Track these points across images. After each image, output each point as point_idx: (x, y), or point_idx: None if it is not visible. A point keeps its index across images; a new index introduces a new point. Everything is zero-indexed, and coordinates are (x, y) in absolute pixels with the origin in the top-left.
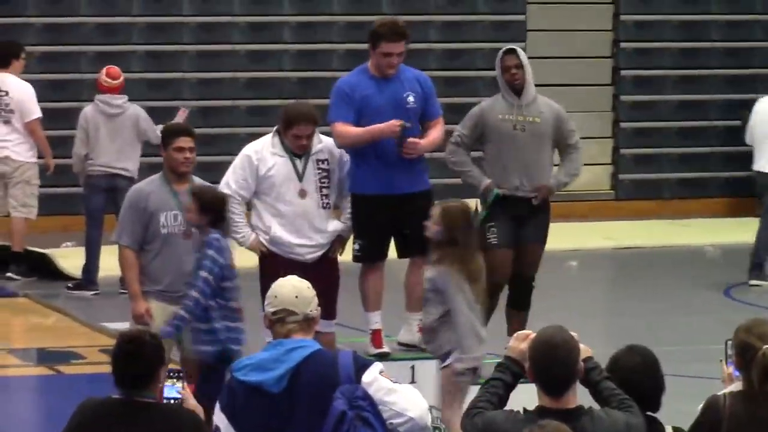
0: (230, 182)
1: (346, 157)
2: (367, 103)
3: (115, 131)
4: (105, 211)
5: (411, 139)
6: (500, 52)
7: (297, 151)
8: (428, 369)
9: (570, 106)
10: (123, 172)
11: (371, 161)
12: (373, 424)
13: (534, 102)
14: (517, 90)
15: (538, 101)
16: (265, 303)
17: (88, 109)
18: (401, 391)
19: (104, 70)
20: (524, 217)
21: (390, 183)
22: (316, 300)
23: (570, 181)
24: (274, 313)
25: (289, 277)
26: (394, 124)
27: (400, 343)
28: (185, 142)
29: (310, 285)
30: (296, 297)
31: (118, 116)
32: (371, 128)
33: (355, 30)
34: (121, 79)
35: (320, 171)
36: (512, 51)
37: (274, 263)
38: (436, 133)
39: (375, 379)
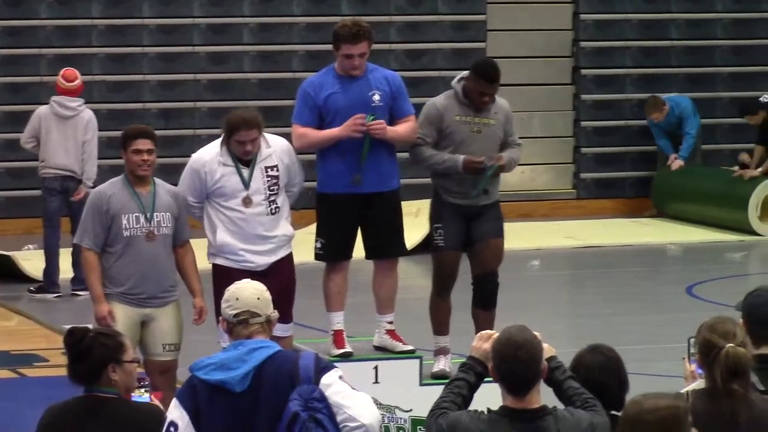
0: (188, 196)
1: (297, 164)
2: (331, 103)
3: (67, 133)
4: (62, 213)
5: (378, 121)
6: (474, 73)
7: (242, 157)
8: (391, 369)
9: (531, 105)
10: (73, 174)
11: (336, 160)
12: (326, 426)
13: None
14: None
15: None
16: (225, 306)
17: (42, 109)
18: (358, 398)
19: (61, 72)
20: (474, 215)
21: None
22: (271, 303)
23: (510, 165)
24: (236, 315)
25: (247, 280)
26: (357, 117)
27: (375, 347)
28: (144, 144)
29: (266, 288)
30: (258, 299)
31: (71, 119)
32: (330, 132)
33: (315, 31)
34: (78, 81)
35: (269, 179)
36: (493, 79)
37: (227, 276)
38: (404, 126)
39: (333, 382)
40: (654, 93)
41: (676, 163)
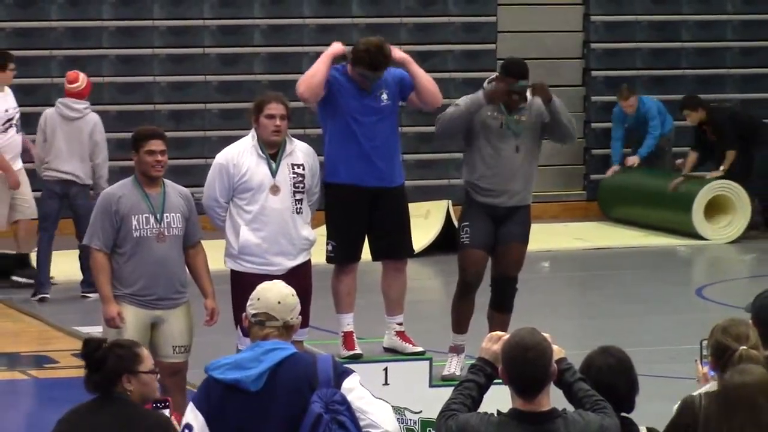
0: (217, 197)
1: (317, 167)
2: (341, 102)
3: (72, 136)
4: (59, 216)
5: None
6: (502, 71)
7: (272, 137)
8: (401, 371)
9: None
10: (75, 179)
11: (341, 148)
12: (348, 428)
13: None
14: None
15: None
16: (248, 303)
17: (48, 111)
18: (379, 405)
19: (67, 74)
20: (503, 217)
21: (363, 174)
22: (298, 308)
23: (562, 112)
24: (254, 315)
25: (276, 282)
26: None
27: (385, 349)
28: (156, 145)
29: (295, 292)
30: (279, 303)
31: (75, 121)
32: (321, 56)
33: (326, 32)
34: (81, 82)
35: (295, 176)
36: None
37: (245, 281)
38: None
39: (356, 387)
40: (664, 95)
41: (630, 160)
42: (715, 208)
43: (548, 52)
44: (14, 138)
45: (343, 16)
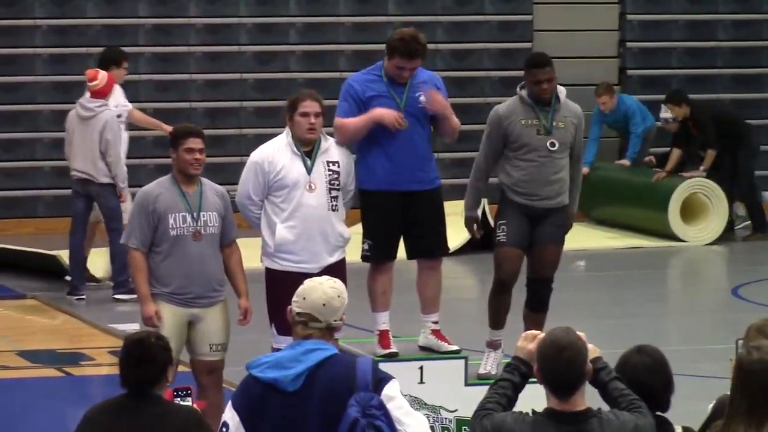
0: (251, 195)
1: (352, 165)
2: (376, 105)
3: (85, 135)
4: (87, 216)
5: (432, 91)
6: (526, 66)
7: (307, 134)
8: (436, 369)
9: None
10: (90, 178)
11: (375, 155)
12: None
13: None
14: (545, 102)
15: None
16: (293, 299)
17: (71, 111)
18: (417, 417)
19: (86, 72)
20: (540, 217)
21: (397, 179)
22: (343, 310)
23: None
24: (298, 314)
25: (324, 279)
26: (397, 116)
27: (420, 347)
28: (195, 143)
29: (342, 293)
30: (323, 305)
31: (88, 120)
32: (368, 114)
33: (362, 31)
34: (100, 81)
35: (330, 173)
36: (543, 64)
37: (280, 281)
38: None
39: (396, 396)
40: (700, 94)
41: (620, 164)
42: (695, 209)
43: (584, 50)
44: (123, 135)
45: (379, 15)
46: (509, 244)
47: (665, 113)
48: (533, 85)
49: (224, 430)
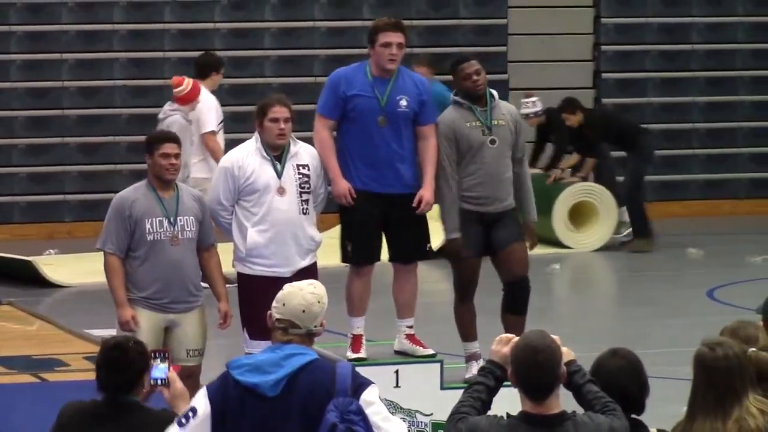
0: (221, 200)
1: (321, 168)
2: (357, 103)
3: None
4: None
5: (420, 200)
6: (452, 69)
7: (277, 140)
8: (412, 373)
9: None
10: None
11: (350, 156)
12: None
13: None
14: (480, 96)
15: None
16: (273, 304)
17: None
18: (395, 422)
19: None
20: (493, 222)
21: (378, 181)
22: (323, 315)
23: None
24: (278, 320)
25: (304, 284)
26: (347, 194)
27: (396, 352)
28: (171, 148)
29: (322, 298)
30: (303, 311)
31: (160, 123)
32: (334, 171)
33: (337, 36)
34: (184, 87)
35: (300, 176)
36: (466, 58)
37: (253, 285)
38: (430, 159)
39: (375, 402)
40: (674, 97)
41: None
42: (583, 214)
43: (559, 54)
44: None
45: (354, 19)
46: (466, 255)
47: (525, 109)
48: (465, 81)
49: (191, 414)
